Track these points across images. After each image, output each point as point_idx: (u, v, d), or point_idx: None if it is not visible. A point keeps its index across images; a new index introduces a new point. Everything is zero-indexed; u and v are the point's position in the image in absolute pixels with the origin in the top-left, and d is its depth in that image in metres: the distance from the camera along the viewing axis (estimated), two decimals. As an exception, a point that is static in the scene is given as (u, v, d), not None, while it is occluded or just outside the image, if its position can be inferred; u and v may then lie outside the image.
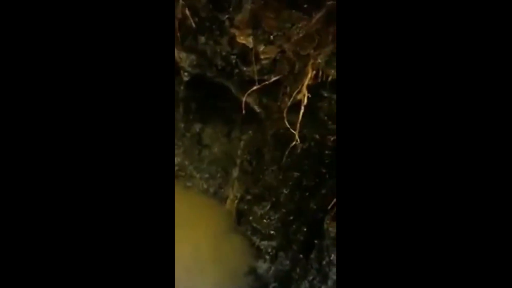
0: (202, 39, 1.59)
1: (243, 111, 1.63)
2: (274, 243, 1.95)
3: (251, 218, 2.05)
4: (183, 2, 1.39)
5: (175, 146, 2.35)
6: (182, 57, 1.72)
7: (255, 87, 1.53)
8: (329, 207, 1.59)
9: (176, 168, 2.40)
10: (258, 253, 1.99)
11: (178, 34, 1.55)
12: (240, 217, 2.11)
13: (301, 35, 1.35)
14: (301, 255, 1.76)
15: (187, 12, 1.42)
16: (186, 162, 2.43)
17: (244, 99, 1.61)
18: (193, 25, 1.45)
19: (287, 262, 1.83)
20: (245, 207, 2.09)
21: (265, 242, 1.98)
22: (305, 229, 1.81)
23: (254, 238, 2.02)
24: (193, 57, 1.70)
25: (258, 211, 2.02)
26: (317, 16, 1.27)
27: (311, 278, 1.67)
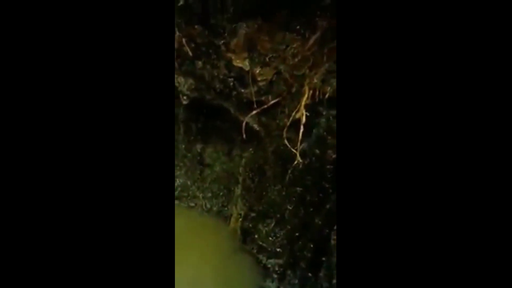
0: (200, 64, 1.61)
1: (244, 135, 1.64)
2: (281, 261, 1.93)
3: (256, 236, 2.03)
4: (179, 34, 1.42)
5: (177, 167, 2.36)
6: (180, 82, 1.75)
7: (254, 112, 1.55)
8: (335, 227, 1.58)
9: (179, 189, 2.40)
10: (266, 271, 1.96)
11: (176, 61, 1.57)
12: (245, 236, 2.10)
13: (296, 56, 1.38)
14: (309, 274, 1.74)
15: (183, 41, 1.45)
16: (189, 183, 2.44)
17: (244, 121, 1.62)
18: (190, 53, 1.48)
19: (296, 281, 1.80)
20: (250, 225, 2.08)
21: (272, 260, 1.96)
22: (311, 246, 1.79)
23: (261, 256, 2.00)
24: (191, 81, 1.73)
25: (263, 228, 2.00)
26: (313, 37, 1.29)
27: (321, 297, 1.64)
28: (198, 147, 2.33)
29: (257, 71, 1.49)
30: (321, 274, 1.66)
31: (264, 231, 2.00)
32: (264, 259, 1.98)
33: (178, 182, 2.43)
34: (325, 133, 1.67)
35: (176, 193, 2.42)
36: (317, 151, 1.73)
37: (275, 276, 1.92)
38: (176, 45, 1.48)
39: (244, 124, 1.64)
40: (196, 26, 1.44)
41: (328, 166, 1.75)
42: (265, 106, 1.54)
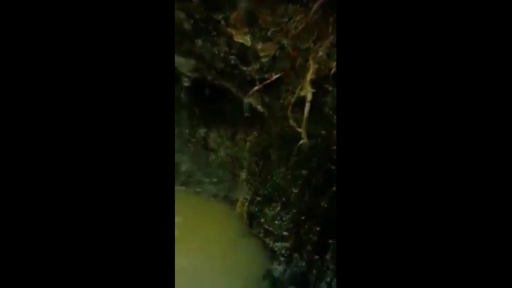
0: (199, 42, 1.57)
1: (245, 113, 1.61)
2: (287, 244, 1.93)
3: (262, 220, 2.03)
4: (176, 5, 1.38)
5: (182, 152, 2.35)
6: (180, 63, 1.71)
7: (256, 88, 1.52)
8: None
9: (186, 174, 2.40)
10: (273, 255, 1.97)
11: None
12: (252, 220, 2.10)
13: (299, 28, 1.33)
14: (316, 256, 1.74)
15: (181, 15, 1.41)
16: (195, 168, 2.44)
17: (245, 101, 1.60)
18: (189, 27, 1.44)
19: (303, 263, 1.80)
20: (256, 209, 2.08)
21: (278, 244, 1.96)
22: (318, 229, 1.78)
23: (267, 240, 2.01)
24: (191, 61, 1.69)
25: (269, 212, 2.01)
26: (314, 7, 1.25)
27: (328, 279, 1.65)
28: (202, 131, 2.32)
29: (259, 47, 1.44)
30: (327, 256, 1.66)
31: (270, 215, 2.00)
32: (271, 243, 1.98)
33: (184, 167, 2.43)
34: (330, 112, 1.62)
35: (182, 178, 2.43)
36: (323, 131, 1.70)
37: (282, 259, 1.92)
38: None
39: (245, 103, 1.61)
40: (193, 0, 1.39)
41: (334, 147, 1.71)
42: (267, 82, 1.50)
